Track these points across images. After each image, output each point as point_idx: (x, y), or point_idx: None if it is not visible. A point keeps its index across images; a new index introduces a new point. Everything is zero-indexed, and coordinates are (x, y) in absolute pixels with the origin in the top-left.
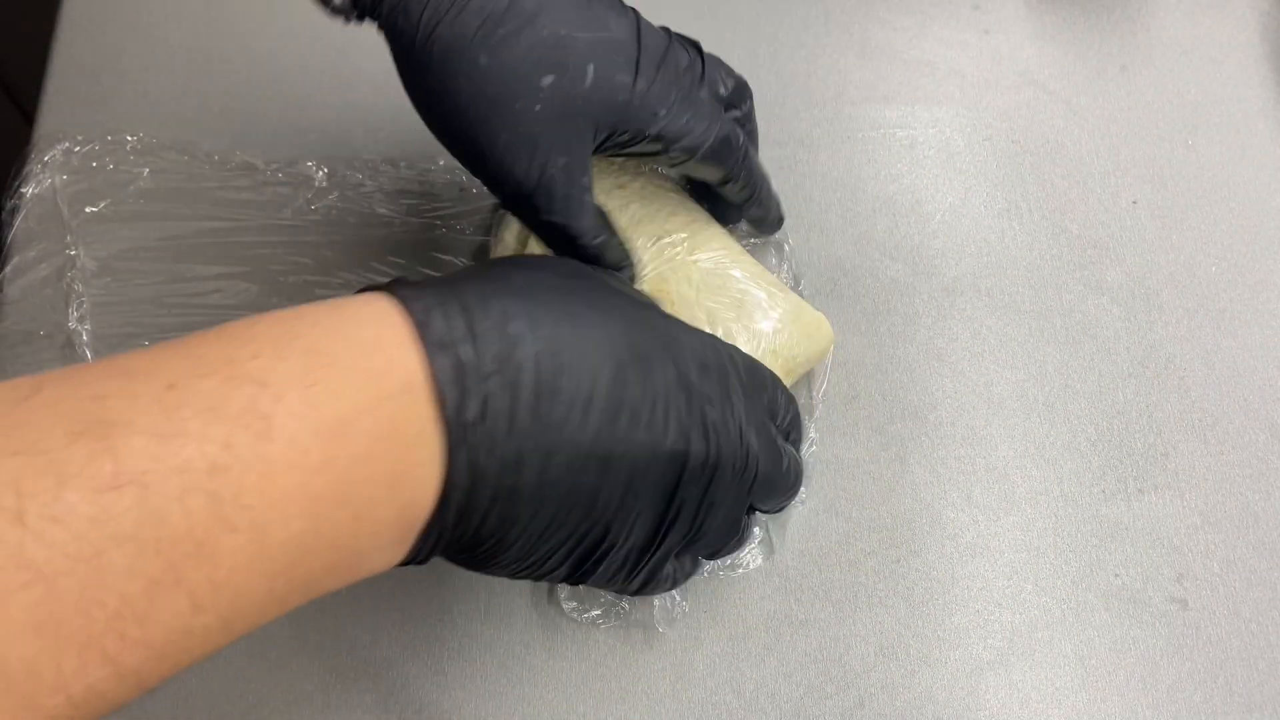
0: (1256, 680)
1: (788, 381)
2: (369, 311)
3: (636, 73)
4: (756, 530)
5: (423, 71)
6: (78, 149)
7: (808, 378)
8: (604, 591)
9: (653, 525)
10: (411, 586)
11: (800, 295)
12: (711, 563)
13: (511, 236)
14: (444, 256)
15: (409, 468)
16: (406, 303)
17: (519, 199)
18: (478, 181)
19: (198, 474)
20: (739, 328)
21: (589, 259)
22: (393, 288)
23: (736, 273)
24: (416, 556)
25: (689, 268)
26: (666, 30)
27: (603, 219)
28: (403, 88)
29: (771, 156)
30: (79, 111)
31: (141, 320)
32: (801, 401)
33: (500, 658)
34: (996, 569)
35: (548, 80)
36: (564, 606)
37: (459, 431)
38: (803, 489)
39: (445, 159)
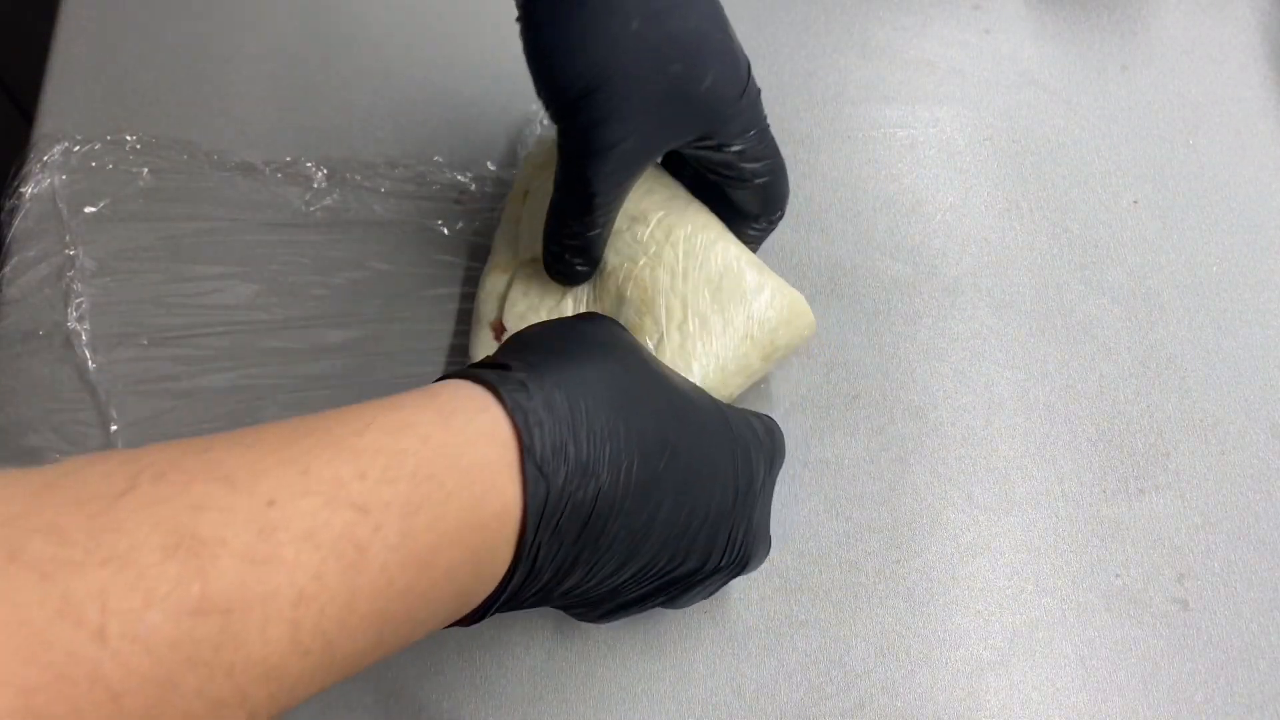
0: (1257, 680)
1: (766, 368)
2: (480, 427)
3: (745, 89)
4: None
5: (578, 5)
6: (77, 149)
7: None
8: None
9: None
10: None
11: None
12: None
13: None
14: (443, 257)
15: (478, 583)
16: (516, 417)
17: (581, 147)
18: (477, 182)
19: (283, 603)
20: (716, 315)
21: (578, 242)
22: (505, 389)
23: (716, 254)
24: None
25: (664, 249)
26: None
27: (612, 220)
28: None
29: None
30: (79, 111)
31: (141, 320)
32: (775, 391)
33: (500, 658)
34: (997, 569)
35: (675, 69)
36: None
37: (530, 552)
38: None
39: (445, 158)
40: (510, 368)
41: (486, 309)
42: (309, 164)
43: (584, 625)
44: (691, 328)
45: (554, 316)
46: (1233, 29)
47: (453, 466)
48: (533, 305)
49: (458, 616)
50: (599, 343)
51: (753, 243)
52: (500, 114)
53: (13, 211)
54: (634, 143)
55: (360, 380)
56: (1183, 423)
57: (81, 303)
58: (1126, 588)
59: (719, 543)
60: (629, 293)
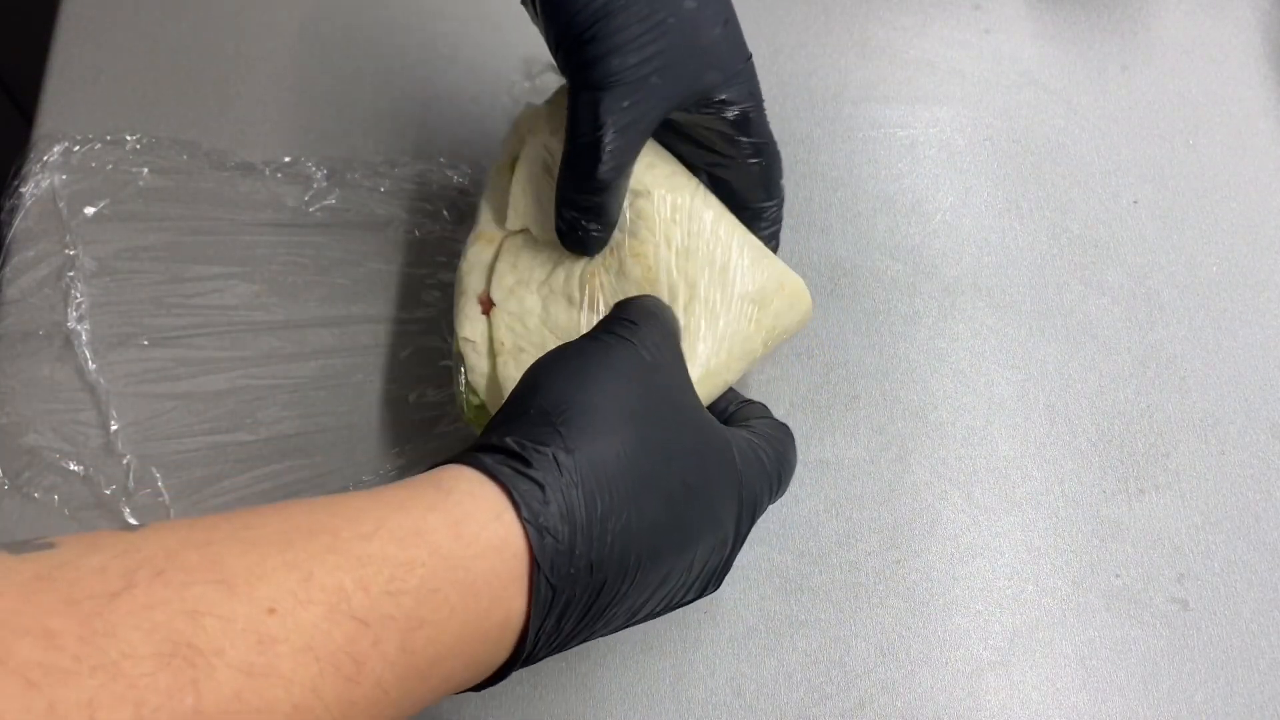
0: (1257, 680)
1: (765, 351)
2: (491, 538)
3: (748, 56)
4: None
5: None
6: (77, 149)
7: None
8: None
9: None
10: None
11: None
12: None
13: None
14: (442, 258)
15: (475, 676)
16: (530, 530)
17: (594, 80)
18: (477, 182)
19: (278, 717)
20: (719, 295)
21: (595, 199)
22: (520, 492)
23: (720, 233)
24: None
25: (671, 227)
26: None
27: (625, 180)
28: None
29: None
30: (79, 111)
31: (141, 320)
32: (775, 391)
33: None
34: (997, 569)
35: (690, 5)
36: None
37: (530, 647)
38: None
39: (445, 157)
40: (526, 456)
41: (472, 280)
42: (309, 164)
43: None
44: (696, 308)
45: (545, 291)
46: (1233, 29)
47: (460, 581)
48: (522, 279)
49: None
50: (622, 400)
51: (767, 243)
52: (501, 113)
53: (13, 211)
54: (647, 78)
55: (360, 380)
56: (1183, 423)
57: (81, 303)
58: (1126, 588)
59: (712, 581)
60: (631, 268)
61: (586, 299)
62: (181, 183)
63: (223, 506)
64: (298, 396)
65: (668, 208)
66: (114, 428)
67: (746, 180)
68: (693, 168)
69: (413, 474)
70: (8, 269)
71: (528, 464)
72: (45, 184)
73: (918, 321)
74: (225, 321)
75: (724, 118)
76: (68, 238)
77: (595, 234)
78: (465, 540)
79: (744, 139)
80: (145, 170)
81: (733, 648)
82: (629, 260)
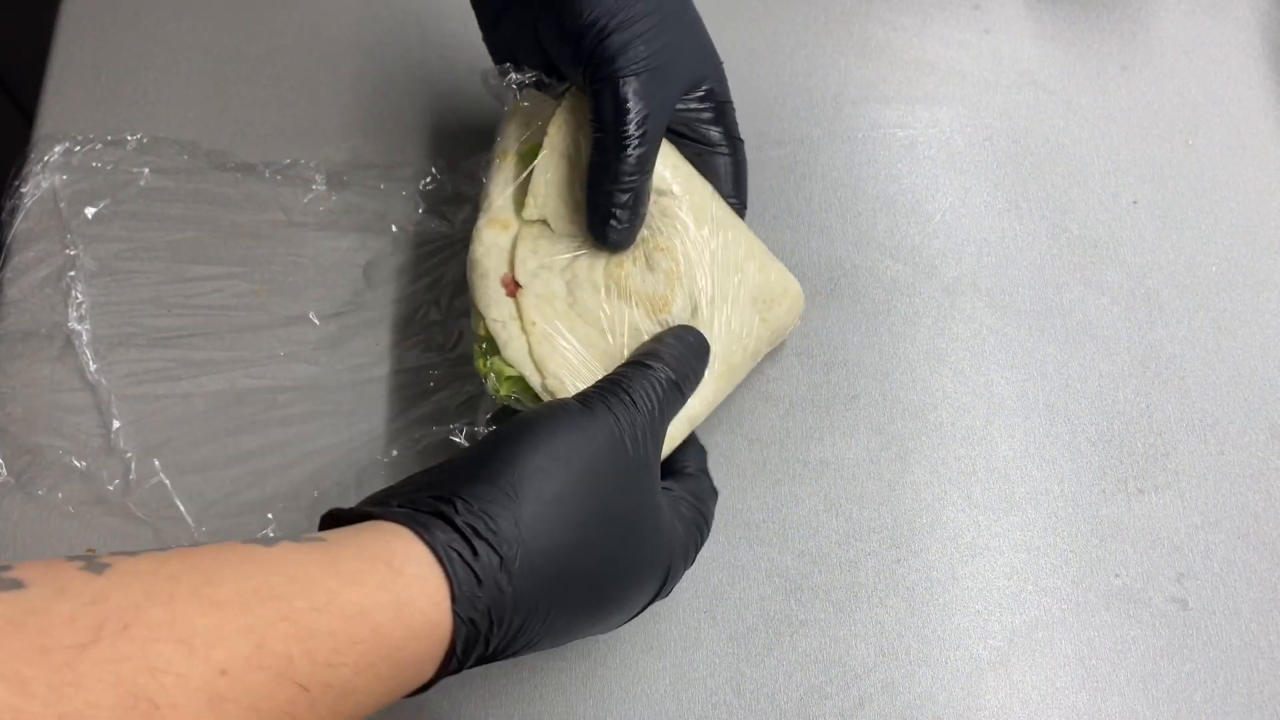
0: (1256, 680)
1: (766, 350)
2: (428, 623)
3: (702, 26)
4: None
5: None
6: (78, 149)
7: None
8: None
9: None
10: None
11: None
12: None
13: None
14: (442, 257)
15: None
16: (463, 628)
17: (618, 69)
18: (475, 188)
19: None
20: (735, 296)
21: (629, 186)
22: (463, 591)
23: (734, 232)
24: None
25: (695, 226)
26: None
27: (652, 171)
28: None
29: (771, 156)
30: (79, 111)
31: (141, 320)
32: (775, 391)
33: None
34: (997, 569)
35: (692, 13)
36: None
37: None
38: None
39: (445, 159)
40: (475, 546)
41: (492, 262)
42: (309, 166)
43: None
44: (718, 305)
45: (568, 275)
46: (1233, 29)
47: (392, 658)
48: (544, 264)
49: None
50: (583, 498)
51: None
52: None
53: (13, 212)
54: (663, 66)
55: (360, 380)
56: (1182, 423)
57: (82, 303)
58: (1126, 587)
59: (634, 616)
60: (659, 261)
61: (616, 287)
62: (182, 183)
63: (224, 500)
64: (298, 395)
65: (691, 207)
66: (115, 426)
67: (713, 175)
68: None
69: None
70: (8, 270)
71: (475, 553)
72: (46, 185)
73: (918, 321)
74: (225, 321)
75: (707, 109)
76: (68, 238)
77: (627, 227)
78: (405, 623)
79: (721, 131)
80: (146, 170)
81: (733, 647)
82: (656, 254)
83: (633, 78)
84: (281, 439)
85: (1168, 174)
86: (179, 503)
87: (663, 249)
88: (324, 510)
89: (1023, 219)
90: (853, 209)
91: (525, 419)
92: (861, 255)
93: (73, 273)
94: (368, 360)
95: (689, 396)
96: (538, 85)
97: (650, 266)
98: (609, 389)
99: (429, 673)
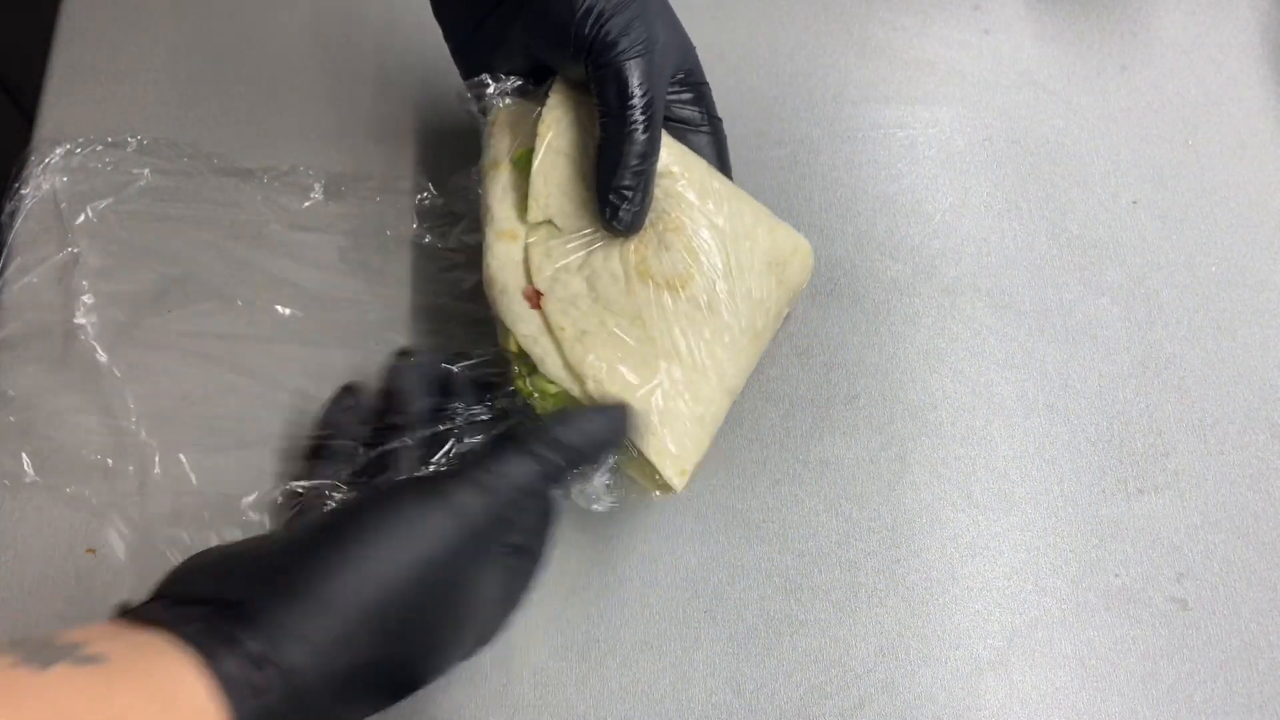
0: (1256, 680)
1: (784, 306)
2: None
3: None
4: None
5: None
6: (78, 150)
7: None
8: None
9: None
10: None
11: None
12: None
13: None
14: (436, 264)
15: None
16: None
17: (621, 53)
18: (472, 200)
19: None
20: (750, 264)
21: (639, 169)
22: (238, 701)
23: (738, 202)
24: None
25: (700, 202)
26: None
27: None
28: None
29: (771, 156)
30: (79, 112)
31: (142, 321)
32: (775, 391)
33: (501, 657)
34: (996, 569)
35: (669, 13)
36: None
37: None
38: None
39: (445, 169)
40: (266, 675)
41: (509, 276)
42: (307, 172)
43: (585, 626)
44: (734, 276)
45: (586, 272)
46: (1232, 29)
47: None
48: (562, 266)
49: None
50: (396, 603)
51: None
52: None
53: (14, 214)
54: (657, 49)
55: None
56: (1182, 423)
57: (83, 304)
58: (1125, 587)
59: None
60: (672, 241)
61: (636, 273)
62: (181, 183)
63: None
64: (297, 397)
65: (693, 185)
66: (124, 424)
67: (697, 153)
68: None
69: None
70: (10, 270)
71: (264, 686)
72: (46, 186)
73: (918, 321)
74: (226, 324)
75: (687, 91)
76: (69, 239)
77: (639, 210)
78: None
79: (701, 111)
80: (146, 171)
81: (733, 647)
82: (669, 234)
83: (636, 59)
84: (281, 444)
85: (1168, 174)
86: (201, 488)
87: (674, 228)
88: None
89: (1023, 219)
90: (853, 209)
91: (367, 505)
92: (861, 255)
93: (74, 274)
94: (368, 363)
95: (583, 470)
96: (519, 92)
97: (665, 246)
98: (473, 475)
99: None
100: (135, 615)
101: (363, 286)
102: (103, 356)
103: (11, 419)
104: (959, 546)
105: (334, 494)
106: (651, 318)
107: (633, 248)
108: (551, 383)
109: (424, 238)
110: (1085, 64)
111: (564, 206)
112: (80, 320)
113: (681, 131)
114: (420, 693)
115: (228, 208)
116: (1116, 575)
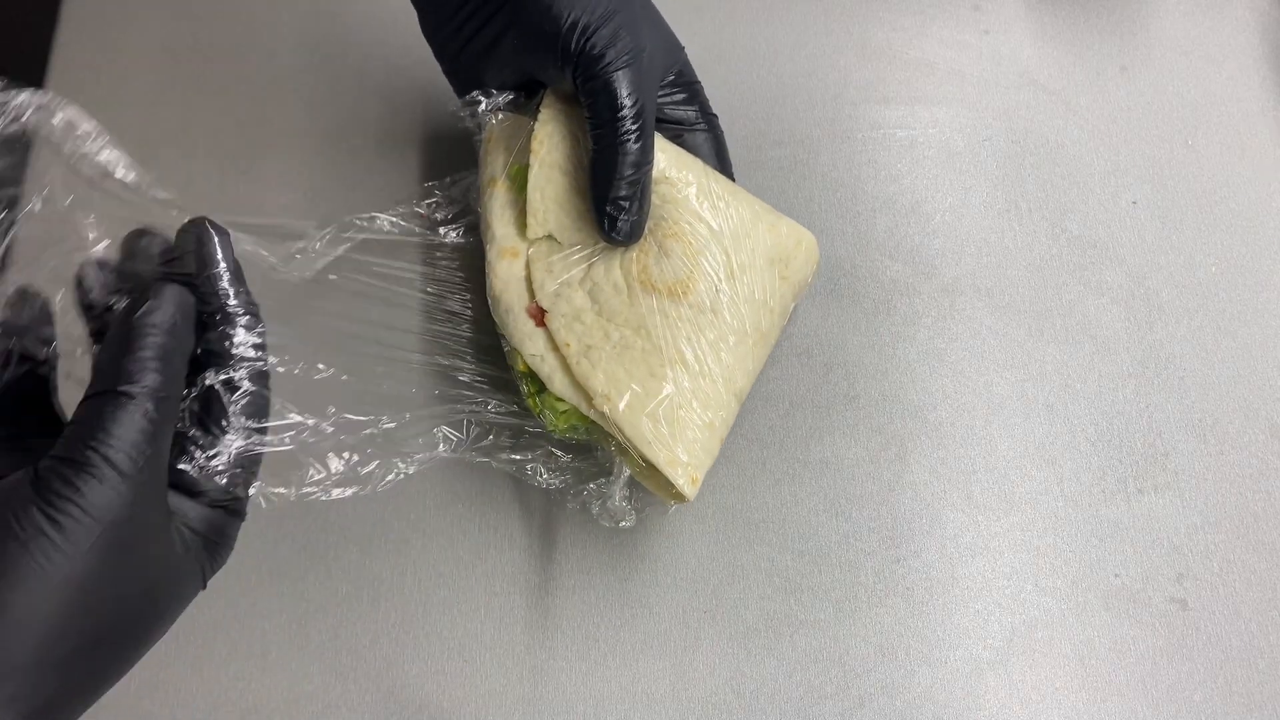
0: (1256, 680)
1: (790, 300)
2: None
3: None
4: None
5: None
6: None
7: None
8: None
9: None
10: (411, 586)
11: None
12: None
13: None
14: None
15: None
16: None
17: (610, 64)
18: (453, 209)
19: None
20: (751, 262)
21: (634, 178)
22: None
23: (737, 201)
24: None
25: (696, 206)
26: None
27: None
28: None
29: (771, 156)
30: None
31: None
32: (775, 391)
33: (500, 658)
34: (996, 569)
35: (656, 14)
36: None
37: None
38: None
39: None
40: None
41: (513, 294)
42: (309, 227)
43: (585, 626)
44: (737, 277)
45: (588, 286)
46: (1232, 29)
47: None
48: (564, 281)
49: None
50: (63, 619)
51: None
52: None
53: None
54: (646, 55)
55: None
56: (1182, 423)
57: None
58: (1125, 587)
59: None
60: (672, 247)
61: (637, 283)
62: (181, 183)
63: None
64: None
65: (690, 188)
66: None
67: (695, 152)
68: None
69: None
70: (11, 271)
71: None
72: (47, 185)
73: (917, 321)
74: None
75: (679, 91)
76: (70, 239)
77: (637, 219)
78: None
79: (696, 110)
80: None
81: (733, 647)
82: (668, 240)
83: (624, 70)
84: None
85: (1168, 174)
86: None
87: (672, 234)
88: None
89: (1022, 219)
90: (853, 209)
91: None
92: (861, 255)
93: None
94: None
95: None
96: (512, 105)
97: (665, 253)
98: (78, 468)
99: None
100: None
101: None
102: None
103: None
104: (959, 546)
105: None
106: (655, 327)
107: (633, 257)
108: (560, 400)
109: (430, 237)
110: (1085, 64)
111: (562, 221)
112: (76, 327)
113: (678, 132)
114: (419, 692)
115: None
116: (1116, 575)
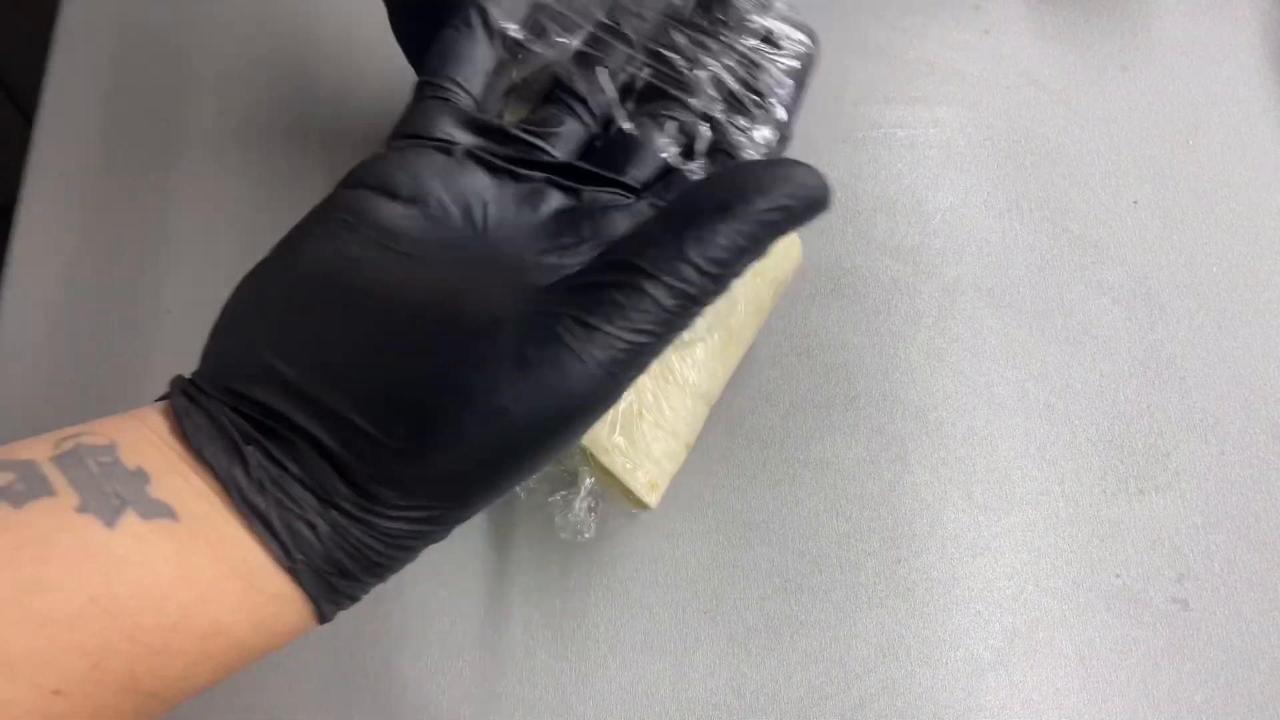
0: (1257, 681)
1: (771, 306)
2: (288, 626)
3: None
4: None
5: None
6: (78, 150)
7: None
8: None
9: None
10: (410, 587)
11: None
12: None
13: None
14: None
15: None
16: (323, 612)
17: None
18: None
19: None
20: None
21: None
22: (326, 603)
23: None
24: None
25: None
26: None
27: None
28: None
29: None
30: (79, 112)
31: (144, 321)
32: (775, 391)
33: (500, 658)
34: (997, 569)
35: None
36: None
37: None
38: None
39: None
40: (347, 590)
41: None
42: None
43: (585, 626)
44: None
45: None
46: (1233, 29)
47: (252, 655)
48: None
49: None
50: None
51: None
52: None
53: (14, 214)
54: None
55: None
56: (1183, 423)
57: (85, 306)
58: (1126, 587)
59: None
60: None
61: None
62: (181, 184)
63: None
64: None
65: None
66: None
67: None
68: None
69: None
70: (10, 271)
71: (348, 571)
72: (47, 184)
73: (918, 321)
74: None
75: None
76: (71, 238)
77: None
78: (266, 633)
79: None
80: (146, 170)
81: (733, 648)
82: None
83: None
84: None
85: (1168, 174)
86: None
87: None
88: None
89: (1023, 219)
90: (853, 209)
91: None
92: (861, 255)
93: (75, 275)
94: None
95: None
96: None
97: None
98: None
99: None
100: (191, 424)
101: None
102: (96, 367)
103: None
104: (960, 547)
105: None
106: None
107: None
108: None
109: None
110: (1086, 64)
111: None
112: (77, 328)
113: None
114: (419, 692)
115: (227, 209)
116: (1117, 576)
